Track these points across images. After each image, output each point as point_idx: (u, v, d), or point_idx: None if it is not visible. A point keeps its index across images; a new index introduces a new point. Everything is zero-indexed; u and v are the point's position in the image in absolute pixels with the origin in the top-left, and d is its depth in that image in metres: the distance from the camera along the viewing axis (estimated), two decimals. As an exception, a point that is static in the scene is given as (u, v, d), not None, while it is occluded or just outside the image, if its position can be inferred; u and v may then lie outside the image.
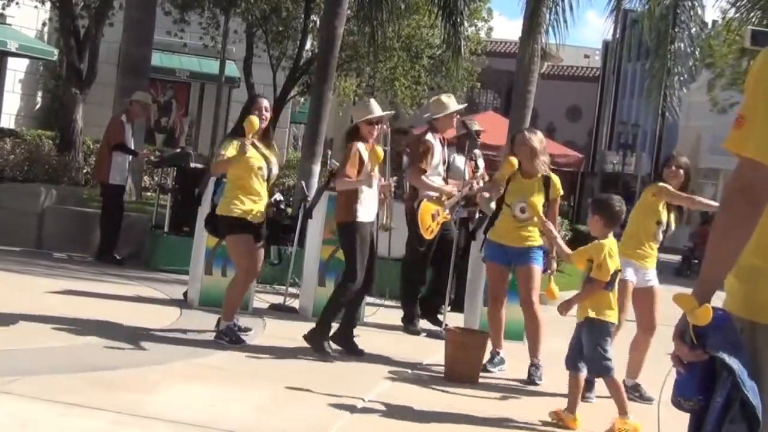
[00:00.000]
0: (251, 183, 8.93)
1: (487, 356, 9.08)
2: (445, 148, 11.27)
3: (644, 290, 8.55)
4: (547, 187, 9.01)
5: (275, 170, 9.22)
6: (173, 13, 25.38)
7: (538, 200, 8.94)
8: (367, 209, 9.05)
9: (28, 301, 9.83)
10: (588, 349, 7.29)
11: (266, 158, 9.06)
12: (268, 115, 9.18)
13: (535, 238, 9.00)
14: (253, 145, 8.90)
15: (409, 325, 11.09)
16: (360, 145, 9.01)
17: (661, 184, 8.56)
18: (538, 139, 9.08)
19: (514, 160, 9.04)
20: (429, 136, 10.98)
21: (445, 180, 11.13)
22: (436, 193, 10.84)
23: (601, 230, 7.34)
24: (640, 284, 8.54)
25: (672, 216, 8.62)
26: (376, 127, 9.20)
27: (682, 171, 8.62)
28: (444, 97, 11.37)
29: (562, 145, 36.31)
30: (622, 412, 7.27)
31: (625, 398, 7.34)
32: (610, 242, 7.33)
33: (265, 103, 9.29)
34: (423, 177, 10.84)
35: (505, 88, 46.54)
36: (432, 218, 10.92)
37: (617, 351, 8.63)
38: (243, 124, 8.83)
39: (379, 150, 8.99)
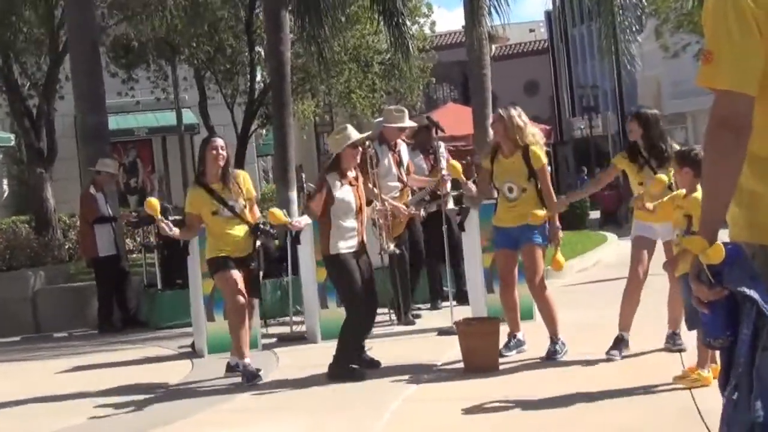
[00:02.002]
0: (216, 226, 9.13)
1: (503, 341, 9.12)
2: (400, 151, 11.93)
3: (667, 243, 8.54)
4: (527, 160, 8.97)
5: (240, 204, 9.21)
6: (120, 73, 25.35)
7: (523, 175, 8.95)
8: (346, 240, 8.94)
9: (40, 386, 9.81)
10: (687, 304, 7.22)
11: (222, 200, 9.13)
12: (224, 153, 9.19)
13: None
14: (209, 190, 9.14)
15: (403, 318, 11.69)
16: (332, 176, 8.94)
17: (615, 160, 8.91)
18: (516, 114, 9.06)
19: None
20: (374, 145, 11.47)
21: (403, 182, 11.82)
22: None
23: (691, 182, 7.27)
24: (665, 237, 8.49)
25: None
26: (359, 150, 9.24)
27: (635, 124, 8.68)
28: (394, 111, 12.22)
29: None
30: (701, 363, 7.28)
31: (708, 353, 7.25)
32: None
33: (220, 142, 9.26)
34: (369, 185, 11.25)
35: (459, 78, 46.66)
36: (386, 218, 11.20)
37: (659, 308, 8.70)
38: (199, 164, 9.24)
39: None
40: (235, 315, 9.06)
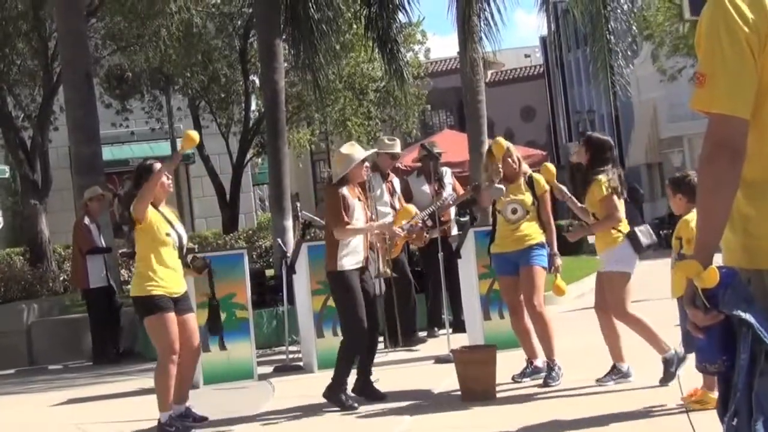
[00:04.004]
0: (163, 253, 8.21)
1: (520, 368, 9.18)
2: (392, 181, 12.35)
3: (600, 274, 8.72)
4: (531, 186, 9.12)
5: (185, 237, 8.62)
6: (114, 104, 25.39)
7: (528, 198, 9.05)
8: (352, 256, 8.91)
9: (35, 419, 9.77)
10: (684, 327, 7.28)
11: (172, 224, 8.43)
12: (171, 181, 8.55)
13: (534, 236, 9.03)
14: (158, 209, 8.35)
15: (412, 338, 11.98)
16: (344, 191, 8.89)
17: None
18: (513, 147, 9.20)
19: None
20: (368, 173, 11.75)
21: (395, 208, 12.07)
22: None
23: (686, 207, 7.38)
24: (602, 268, 8.71)
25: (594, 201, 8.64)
26: (365, 166, 9.09)
27: (584, 148, 8.72)
28: (387, 139, 12.70)
29: (524, 146, 36.42)
30: (710, 386, 7.27)
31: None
32: (693, 217, 7.30)
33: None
34: None
35: (455, 104, 46.69)
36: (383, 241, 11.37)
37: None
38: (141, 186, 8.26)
39: (411, 208, 9.16)
40: (169, 369, 8.22)
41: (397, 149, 12.46)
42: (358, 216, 8.93)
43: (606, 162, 8.55)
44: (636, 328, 8.30)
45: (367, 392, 8.94)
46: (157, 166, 8.38)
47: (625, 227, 8.42)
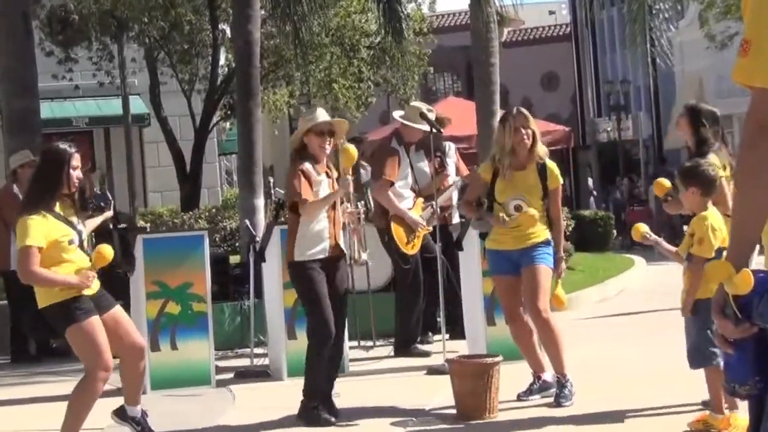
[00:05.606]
0: (66, 261, 8.02)
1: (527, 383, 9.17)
2: (410, 154, 11.99)
3: None
4: (543, 176, 9.02)
5: (85, 233, 8.47)
6: (56, 52, 25.32)
7: (536, 193, 8.99)
8: (314, 244, 8.83)
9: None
10: (693, 336, 7.35)
11: (71, 224, 8.20)
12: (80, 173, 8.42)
13: (539, 234, 8.99)
14: (54, 214, 8.08)
15: (411, 350, 11.79)
16: (307, 165, 8.84)
17: None
18: (533, 120, 9.14)
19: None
20: (394, 144, 11.54)
21: (415, 191, 11.92)
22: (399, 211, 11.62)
23: (700, 202, 7.45)
24: None
25: None
26: (328, 139, 8.95)
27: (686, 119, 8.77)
28: (425, 109, 11.90)
29: (544, 120, 36.49)
30: (717, 409, 7.33)
31: (722, 395, 7.33)
32: (711, 214, 7.35)
33: (77, 158, 8.33)
34: (389, 193, 11.35)
35: (463, 67, 46.67)
36: (409, 231, 11.60)
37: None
38: (46, 183, 8.18)
39: (351, 148, 8.86)
40: (99, 387, 8.09)
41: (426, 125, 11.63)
42: (324, 194, 8.85)
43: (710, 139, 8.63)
44: None
45: (328, 406, 8.85)
46: (74, 152, 8.22)
47: None
